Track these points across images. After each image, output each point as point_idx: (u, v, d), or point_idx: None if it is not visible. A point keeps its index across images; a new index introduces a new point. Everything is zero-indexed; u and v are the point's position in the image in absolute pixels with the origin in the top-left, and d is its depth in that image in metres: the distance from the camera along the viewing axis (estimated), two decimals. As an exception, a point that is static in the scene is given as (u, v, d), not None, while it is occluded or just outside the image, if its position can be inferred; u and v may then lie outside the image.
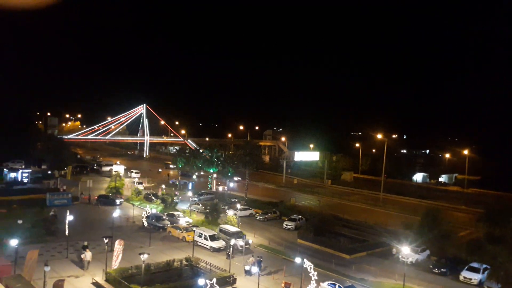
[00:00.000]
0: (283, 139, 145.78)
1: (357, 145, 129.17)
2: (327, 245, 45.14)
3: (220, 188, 76.08)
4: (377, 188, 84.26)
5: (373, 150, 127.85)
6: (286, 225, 53.45)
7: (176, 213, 53.18)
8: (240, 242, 42.46)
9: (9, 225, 44.27)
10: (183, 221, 50.21)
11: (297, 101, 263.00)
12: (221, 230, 45.70)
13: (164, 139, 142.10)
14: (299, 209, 62.10)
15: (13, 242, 32.14)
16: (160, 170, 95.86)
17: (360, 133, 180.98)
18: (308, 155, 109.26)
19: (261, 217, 57.06)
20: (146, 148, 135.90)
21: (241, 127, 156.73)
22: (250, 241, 44.02)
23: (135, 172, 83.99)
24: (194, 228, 44.79)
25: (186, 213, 56.42)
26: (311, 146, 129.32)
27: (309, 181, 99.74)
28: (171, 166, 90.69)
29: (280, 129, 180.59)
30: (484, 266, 37.08)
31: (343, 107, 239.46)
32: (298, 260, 32.85)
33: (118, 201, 59.79)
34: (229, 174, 71.94)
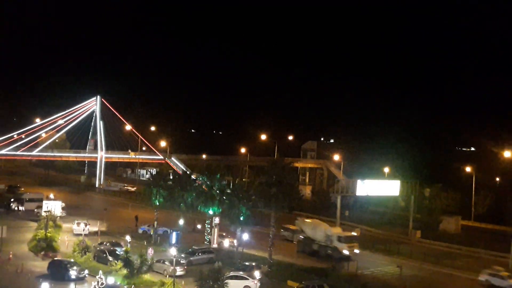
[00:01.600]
0: (336, 157, 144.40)
1: (468, 169, 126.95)
2: None
3: (226, 242, 75.84)
4: (504, 246, 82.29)
5: (497, 179, 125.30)
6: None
7: None
8: None
9: None
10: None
11: (358, 96, 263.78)
12: None
13: (131, 156, 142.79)
14: (365, 281, 61.62)
15: None
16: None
17: (472, 148, 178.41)
18: (380, 187, 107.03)
19: (299, 295, 56.32)
20: (100, 171, 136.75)
21: (263, 137, 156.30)
22: None
23: (78, 223, 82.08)
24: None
25: (167, 286, 55.75)
26: (386, 170, 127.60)
27: (382, 232, 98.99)
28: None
29: (331, 141, 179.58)
30: None
31: (443, 106, 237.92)
32: None
33: (75, 273, 58.53)
34: (241, 218, 71.20)
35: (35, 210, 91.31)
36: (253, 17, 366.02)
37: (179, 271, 60.18)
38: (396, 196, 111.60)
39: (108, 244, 69.90)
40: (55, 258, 61.65)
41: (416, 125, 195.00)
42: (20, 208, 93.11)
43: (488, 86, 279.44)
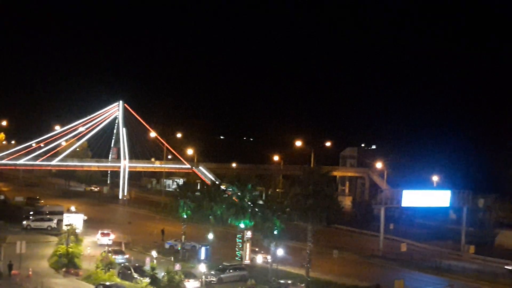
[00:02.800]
0: (378, 165, 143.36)
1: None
2: None
3: (259, 258, 75.92)
4: None
5: None
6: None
7: None
8: None
9: None
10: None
11: (405, 98, 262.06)
12: None
13: (156, 165, 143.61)
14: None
15: None
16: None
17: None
18: (428, 197, 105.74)
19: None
20: (123, 182, 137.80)
21: (298, 144, 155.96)
22: None
23: (103, 233, 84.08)
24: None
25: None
26: (435, 179, 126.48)
27: (430, 248, 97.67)
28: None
29: (373, 147, 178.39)
30: None
31: (498, 103, 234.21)
32: None
33: None
34: (275, 232, 71.08)
35: (55, 223, 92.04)
36: (287, 19, 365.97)
37: (194, 282, 62.32)
38: (446, 208, 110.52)
39: (131, 261, 70.58)
40: (101, 283, 60.79)
41: (472, 129, 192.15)
42: (42, 221, 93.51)
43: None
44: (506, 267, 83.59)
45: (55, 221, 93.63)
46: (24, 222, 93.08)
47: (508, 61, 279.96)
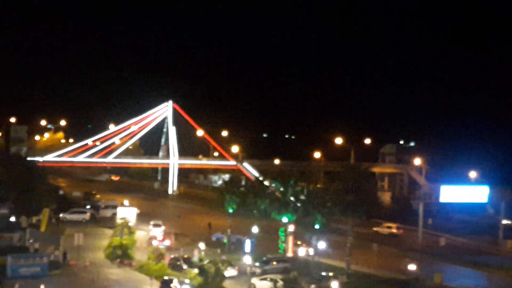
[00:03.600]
0: (417, 162, 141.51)
1: None
2: None
3: (302, 251, 75.73)
4: None
5: None
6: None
7: None
8: None
9: None
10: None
11: (443, 95, 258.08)
12: None
13: (203, 161, 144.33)
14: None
15: None
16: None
17: None
18: (466, 193, 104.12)
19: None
20: (173, 177, 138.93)
21: (338, 141, 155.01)
22: None
23: (154, 225, 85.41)
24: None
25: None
26: (472, 175, 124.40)
27: (469, 242, 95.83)
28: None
29: (411, 144, 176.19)
30: None
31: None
32: None
33: None
34: (316, 226, 70.83)
35: (110, 216, 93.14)
36: (326, 17, 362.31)
37: (232, 270, 63.43)
38: (484, 203, 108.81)
39: (181, 253, 71.11)
40: (165, 278, 59.96)
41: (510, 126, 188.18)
42: (97, 215, 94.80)
43: None
44: None
45: (88, 213, 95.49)
46: (61, 215, 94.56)
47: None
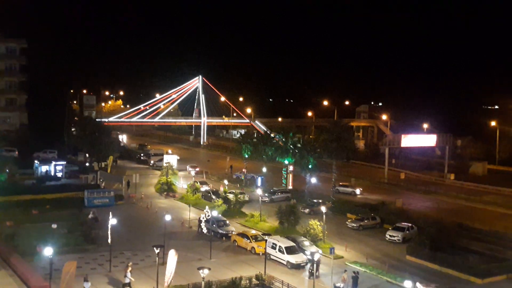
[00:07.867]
0: (384, 117, 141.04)
1: (493, 123, 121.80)
2: (448, 265, 43.71)
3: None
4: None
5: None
6: (391, 236, 52.32)
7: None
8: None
9: (42, 230, 47.63)
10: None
11: (402, 66, 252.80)
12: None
13: (225, 120, 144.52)
14: (408, 214, 60.38)
15: (48, 251, 34.08)
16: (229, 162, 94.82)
17: (496, 107, 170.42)
18: (420, 140, 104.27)
19: (355, 225, 56.41)
20: (203, 132, 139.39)
21: (325, 103, 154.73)
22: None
23: (191, 166, 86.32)
24: (266, 238, 44.94)
25: (255, 217, 56.99)
26: (425, 126, 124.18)
27: (422, 176, 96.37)
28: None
29: (380, 104, 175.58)
30: None
31: (471, 70, 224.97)
32: (408, 284, 32.05)
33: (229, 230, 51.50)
34: (309, 166, 71.24)
35: (158, 161, 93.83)
36: None
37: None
38: (433, 147, 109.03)
39: (211, 187, 71.92)
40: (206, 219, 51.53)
41: (451, 88, 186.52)
42: (149, 160, 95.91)
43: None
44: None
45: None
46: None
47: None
